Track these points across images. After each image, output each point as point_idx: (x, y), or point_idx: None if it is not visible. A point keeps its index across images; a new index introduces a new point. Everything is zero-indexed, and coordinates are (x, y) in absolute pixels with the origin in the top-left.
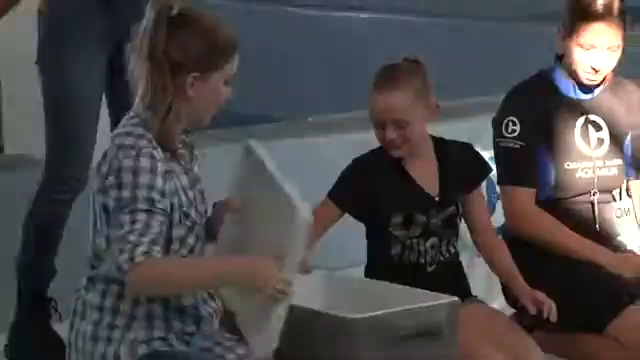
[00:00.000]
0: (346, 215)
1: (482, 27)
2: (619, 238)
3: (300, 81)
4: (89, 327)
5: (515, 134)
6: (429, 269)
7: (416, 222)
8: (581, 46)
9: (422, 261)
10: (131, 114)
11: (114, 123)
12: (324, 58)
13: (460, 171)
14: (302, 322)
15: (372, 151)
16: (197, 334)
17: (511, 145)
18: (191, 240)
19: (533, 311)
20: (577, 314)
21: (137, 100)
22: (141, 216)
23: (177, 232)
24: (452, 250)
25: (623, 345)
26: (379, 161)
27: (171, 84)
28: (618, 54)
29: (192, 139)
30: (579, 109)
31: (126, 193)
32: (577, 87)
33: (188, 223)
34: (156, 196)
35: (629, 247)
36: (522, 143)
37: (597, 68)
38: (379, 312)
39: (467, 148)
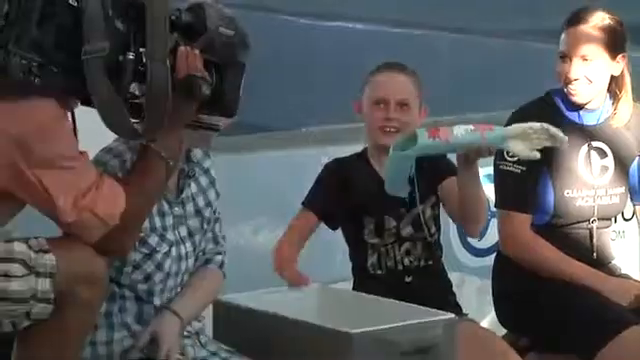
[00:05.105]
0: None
1: (486, 43)
2: (613, 262)
3: (296, 91)
4: None
5: (516, 158)
6: (407, 279)
7: (387, 227)
8: (560, 56)
9: (399, 268)
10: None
11: None
12: (320, 68)
13: (429, 170)
14: (299, 335)
15: (344, 157)
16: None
17: (511, 169)
18: (148, 267)
19: None
20: (568, 339)
21: None
22: None
23: (131, 256)
24: (429, 260)
25: None
26: (352, 164)
27: None
28: (595, 66)
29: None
30: (583, 135)
31: None
32: (581, 112)
33: (145, 250)
34: None
35: (623, 271)
36: (523, 168)
37: (570, 77)
38: (379, 327)
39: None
